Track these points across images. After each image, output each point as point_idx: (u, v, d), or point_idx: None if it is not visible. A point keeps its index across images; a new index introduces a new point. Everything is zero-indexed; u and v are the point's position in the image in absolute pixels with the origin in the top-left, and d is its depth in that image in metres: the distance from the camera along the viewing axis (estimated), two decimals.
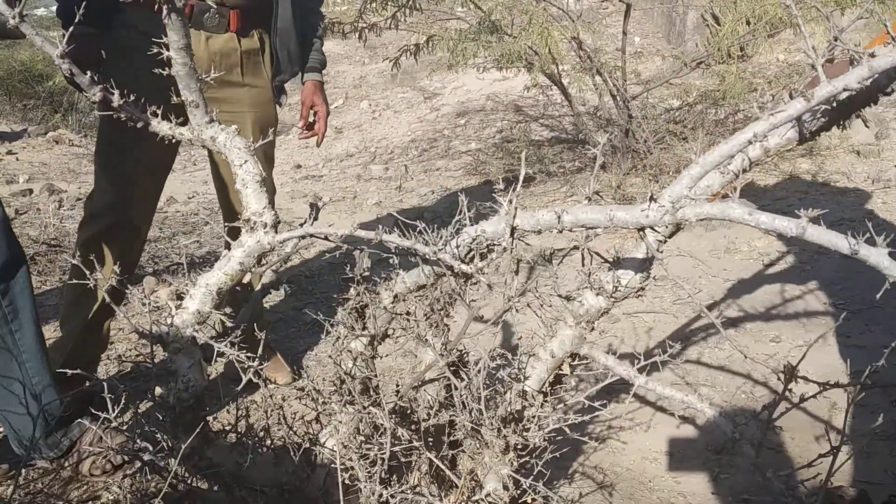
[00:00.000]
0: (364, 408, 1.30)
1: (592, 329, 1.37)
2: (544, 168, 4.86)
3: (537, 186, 4.74)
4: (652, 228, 1.15)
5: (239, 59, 2.25)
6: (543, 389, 1.39)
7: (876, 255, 0.96)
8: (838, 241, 0.96)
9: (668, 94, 5.01)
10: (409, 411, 1.39)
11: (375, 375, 1.44)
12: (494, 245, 1.21)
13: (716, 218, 1.01)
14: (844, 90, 1.04)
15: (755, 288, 3.24)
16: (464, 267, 1.16)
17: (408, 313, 1.41)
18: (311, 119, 2.41)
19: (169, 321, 1.25)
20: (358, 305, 1.44)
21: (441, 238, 1.22)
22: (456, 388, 1.26)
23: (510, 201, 1.18)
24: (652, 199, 1.06)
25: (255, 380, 1.31)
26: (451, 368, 1.31)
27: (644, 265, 1.34)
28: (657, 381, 1.29)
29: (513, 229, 1.17)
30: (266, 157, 2.38)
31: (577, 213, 1.11)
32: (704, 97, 4.68)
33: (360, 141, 6.78)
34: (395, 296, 1.40)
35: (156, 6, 1.16)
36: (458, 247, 1.24)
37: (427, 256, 1.18)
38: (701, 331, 2.92)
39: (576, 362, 1.42)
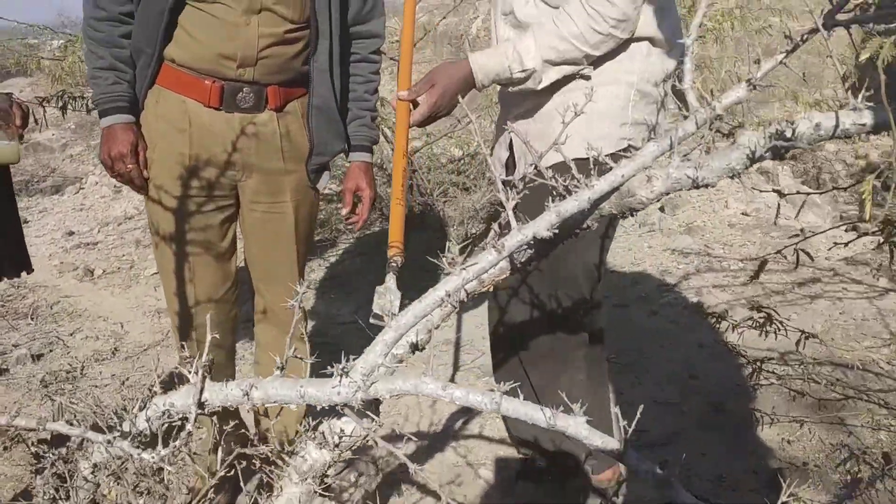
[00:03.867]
0: None
1: (322, 483, 1.26)
2: (332, 228, 4.74)
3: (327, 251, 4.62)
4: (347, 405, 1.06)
5: (279, 143, 2.05)
6: None
7: (574, 426, 0.91)
8: (535, 414, 0.91)
9: (450, 144, 5.06)
10: None
11: None
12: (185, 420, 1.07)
13: (409, 393, 0.93)
14: (534, 237, 1.00)
15: None
16: (145, 456, 1.01)
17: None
18: (355, 202, 2.15)
19: None
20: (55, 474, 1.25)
21: (127, 415, 1.06)
22: None
23: (198, 373, 1.05)
24: (344, 372, 0.96)
25: None
26: None
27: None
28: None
29: (201, 404, 1.03)
30: (306, 245, 2.24)
31: (268, 388, 1.00)
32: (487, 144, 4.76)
33: (141, 200, 6.35)
34: (95, 465, 1.23)
35: None
36: (147, 420, 1.08)
37: (104, 445, 1.02)
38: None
39: None
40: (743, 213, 4.55)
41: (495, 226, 1.25)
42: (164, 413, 1.06)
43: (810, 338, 2.48)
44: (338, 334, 3.54)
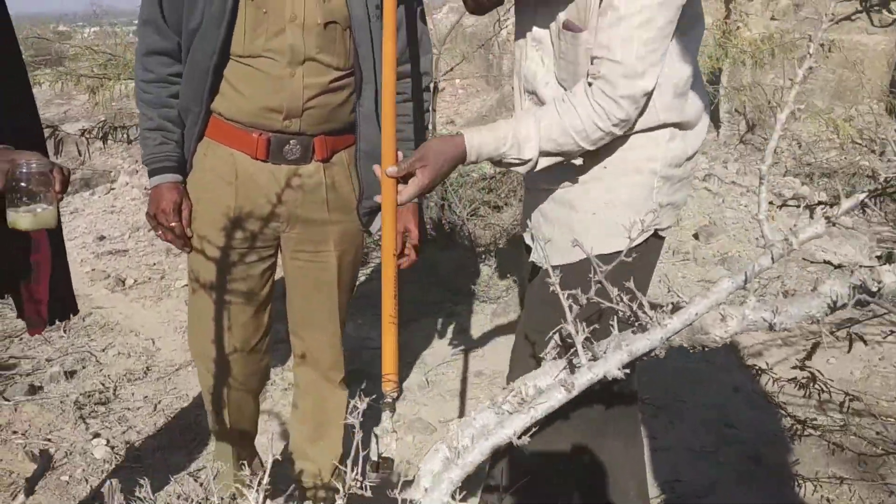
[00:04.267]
0: None
1: None
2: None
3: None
4: None
5: (324, 195, 2.04)
6: None
7: None
8: None
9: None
10: None
11: None
12: None
13: None
14: (605, 376, 0.98)
15: None
16: None
17: None
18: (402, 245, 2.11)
19: None
20: None
21: None
22: None
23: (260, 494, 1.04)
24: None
25: None
26: None
27: None
28: None
29: None
30: (349, 292, 2.23)
31: None
32: None
33: None
34: None
35: None
36: None
37: None
38: None
39: None
40: None
41: (556, 338, 1.23)
42: None
43: (854, 400, 2.44)
44: (368, 360, 3.54)
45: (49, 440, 3.01)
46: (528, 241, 1.97)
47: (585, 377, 0.96)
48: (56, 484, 2.74)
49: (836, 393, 2.49)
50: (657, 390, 3.12)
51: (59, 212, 1.68)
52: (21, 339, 4.13)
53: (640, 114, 1.66)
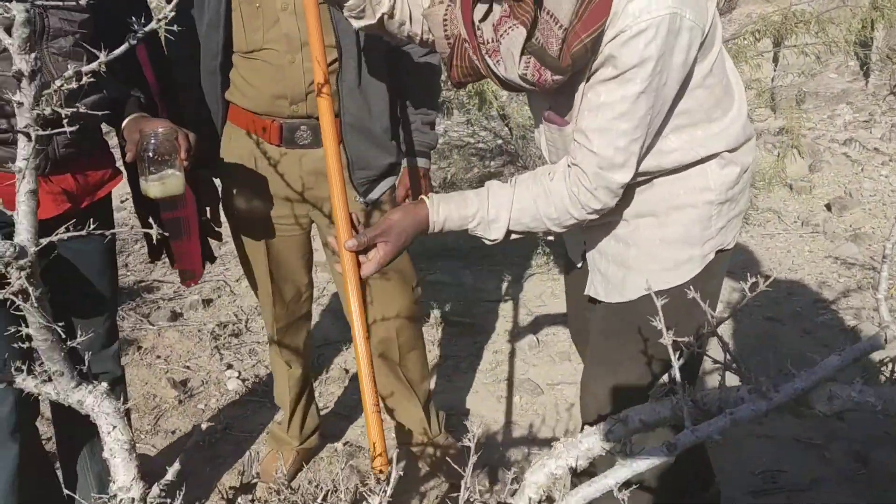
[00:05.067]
0: None
1: None
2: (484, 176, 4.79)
3: None
4: None
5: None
6: None
7: None
8: None
9: None
10: None
11: None
12: None
13: None
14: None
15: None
16: None
17: None
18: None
19: None
20: None
21: None
22: None
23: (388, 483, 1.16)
24: None
25: None
26: None
27: None
28: None
29: None
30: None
31: None
32: None
33: None
34: None
35: None
36: None
37: None
38: None
39: None
40: None
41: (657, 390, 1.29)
42: None
43: None
44: (481, 313, 3.65)
45: (188, 367, 3.31)
46: (574, 258, 1.93)
47: (689, 439, 1.02)
48: (193, 411, 3.03)
49: None
50: (771, 371, 3.10)
51: (184, 180, 1.80)
52: (164, 263, 4.47)
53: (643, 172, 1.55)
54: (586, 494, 1.06)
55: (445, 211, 1.58)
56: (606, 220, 1.64)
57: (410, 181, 2.26)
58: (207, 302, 3.90)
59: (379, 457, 1.52)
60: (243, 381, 3.20)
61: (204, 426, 2.91)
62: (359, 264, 1.59)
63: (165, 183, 1.74)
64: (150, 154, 1.71)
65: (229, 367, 3.31)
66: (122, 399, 2.08)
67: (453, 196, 1.61)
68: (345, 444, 2.79)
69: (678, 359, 1.08)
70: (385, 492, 1.16)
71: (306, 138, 2.07)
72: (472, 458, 1.32)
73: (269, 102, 2.05)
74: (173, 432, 2.90)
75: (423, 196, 1.61)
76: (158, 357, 3.38)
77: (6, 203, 1.50)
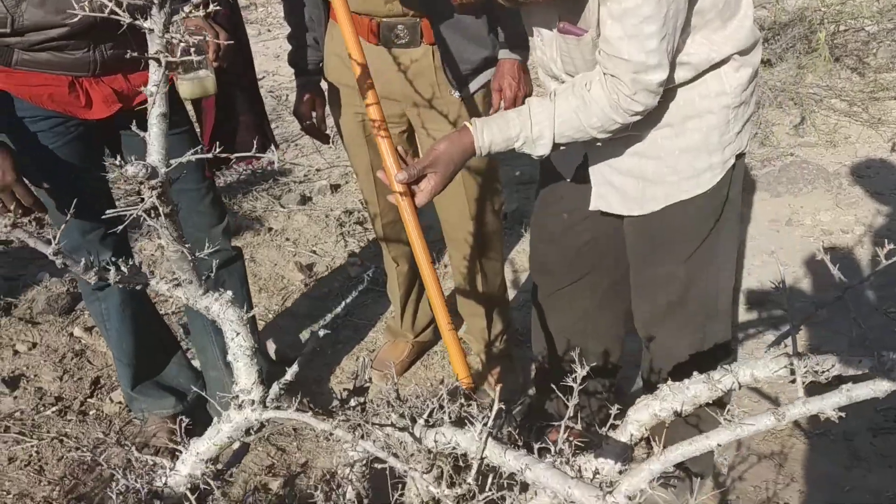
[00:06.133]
0: None
1: None
2: None
3: None
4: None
5: (434, 77, 2.10)
6: None
7: None
8: None
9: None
10: None
11: None
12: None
13: None
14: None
15: (806, 278, 3.13)
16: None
17: None
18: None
19: (163, 480, 1.35)
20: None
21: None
22: None
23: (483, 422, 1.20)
24: (608, 491, 1.07)
25: None
26: None
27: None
28: None
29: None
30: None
31: (539, 474, 1.13)
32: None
33: None
34: None
35: None
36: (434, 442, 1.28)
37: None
38: None
39: None
40: None
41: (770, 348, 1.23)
42: (450, 445, 1.24)
43: None
44: None
45: (314, 252, 3.45)
46: (565, 173, 1.93)
47: (799, 410, 0.99)
48: (317, 294, 3.18)
49: None
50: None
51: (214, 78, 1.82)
52: (297, 144, 4.60)
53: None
54: (686, 452, 1.05)
55: (490, 135, 1.61)
56: (619, 134, 1.65)
57: (501, 76, 2.19)
58: (335, 187, 4.01)
59: (463, 379, 1.62)
60: (365, 269, 3.31)
61: (327, 315, 3.05)
62: (412, 195, 1.65)
63: (196, 83, 1.79)
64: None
65: (352, 254, 3.43)
66: (241, 277, 2.22)
67: (495, 118, 1.63)
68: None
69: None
70: (485, 423, 1.20)
71: (403, 37, 2.05)
72: (577, 388, 1.34)
73: (365, 0, 2.02)
74: (300, 314, 3.06)
75: (466, 123, 1.63)
76: (287, 239, 3.53)
77: (33, 99, 1.81)
